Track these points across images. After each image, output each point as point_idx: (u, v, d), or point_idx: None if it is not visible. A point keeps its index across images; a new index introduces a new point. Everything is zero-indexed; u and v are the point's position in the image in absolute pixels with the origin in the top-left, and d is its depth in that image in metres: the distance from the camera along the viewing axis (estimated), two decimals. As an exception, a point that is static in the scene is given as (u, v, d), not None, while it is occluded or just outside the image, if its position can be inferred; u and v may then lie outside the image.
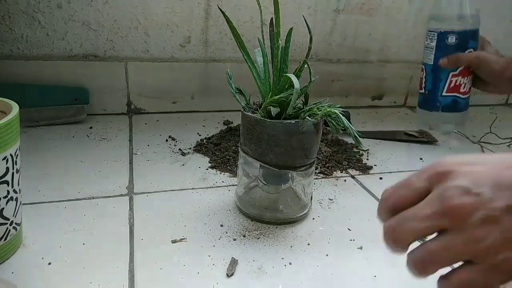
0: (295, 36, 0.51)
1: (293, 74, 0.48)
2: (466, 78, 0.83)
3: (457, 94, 0.84)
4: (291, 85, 0.45)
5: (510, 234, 0.26)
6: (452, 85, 0.83)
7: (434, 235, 0.29)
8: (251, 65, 0.52)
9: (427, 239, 0.29)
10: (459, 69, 0.82)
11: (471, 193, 0.27)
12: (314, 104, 0.51)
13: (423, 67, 0.87)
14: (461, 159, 0.30)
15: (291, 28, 0.51)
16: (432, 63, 0.84)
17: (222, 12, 0.50)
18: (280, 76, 0.50)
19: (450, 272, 0.29)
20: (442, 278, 0.30)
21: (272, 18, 0.51)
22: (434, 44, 0.83)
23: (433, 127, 0.90)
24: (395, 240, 0.30)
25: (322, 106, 0.50)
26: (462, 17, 0.81)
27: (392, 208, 0.31)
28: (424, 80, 0.87)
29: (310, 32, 0.50)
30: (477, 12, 0.81)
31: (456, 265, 0.29)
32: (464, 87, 0.84)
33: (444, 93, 0.84)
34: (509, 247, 0.26)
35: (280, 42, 0.50)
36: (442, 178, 0.29)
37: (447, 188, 0.28)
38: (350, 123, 0.50)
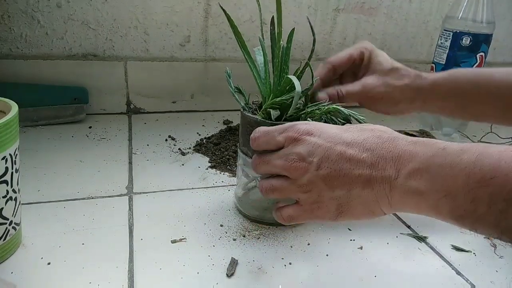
0: (295, 35, 0.51)
1: (294, 75, 0.47)
2: None
3: None
4: (292, 87, 0.45)
5: (323, 192, 0.39)
6: None
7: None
8: (252, 64, 0.52)
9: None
10: None
11: (305, 160, 0.40)
12: (314, 104, 0.51)
13: (433, 65, 0.88)
14: (308, 128, 0.41)
15: (293, 29, 0.50)
16: (444, 62, 0.85)
17: (223, 10, 0.50)
18: (281, 77, 0.50)
19: (282, 206, 0.45)
20: (276, 209, 0.45)
21: (273, 17, 0.50)
22: (448, 43, 0.84)
23: (435, 127, 0.90)
24: (254, 169, 0.45)
25: (323, 106, 0.50)
26: (479, 20, 0.82)
27: (257, 148, 0.44)
28: None
29: (313, 34, 0.50)
30: (493, 18, 0.83)
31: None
32: None
33: None
34: (322, 200, 0.40)
35: (281, 42, 0.50)
36: (292, 141, 0.41)
37: (292, 152, 0.40)
38: (351, 123, 0.50)
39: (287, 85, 0.49)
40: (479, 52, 0.83)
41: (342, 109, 0.49)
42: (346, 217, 0.41)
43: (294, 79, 0.45)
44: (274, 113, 0.48)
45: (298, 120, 0.49)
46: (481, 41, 0.82)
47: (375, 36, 1.01)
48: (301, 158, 0.40)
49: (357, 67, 0.61)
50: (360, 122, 0.48)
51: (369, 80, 0.59)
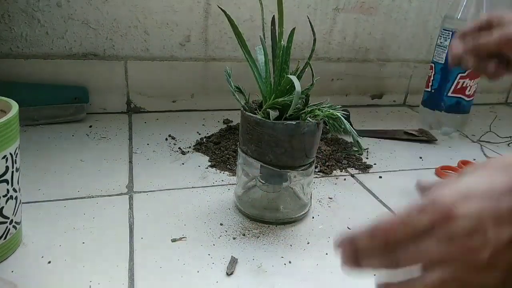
0: (295, 35, 0.51)
1: (294, 75, 0.47)
2: (473, 81, 0.85)
3: (462, 96, 0.86)
4: (292, 87, 0.45)
5: (501, 261, 0.27)
6: (458, 86, 0.85)
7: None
8: (252, 64, 0.52)
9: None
10: (468, 71, 0.83)
11: (471, 235, 0.28)
12: (314, 104, 0.51)
13: (433, 65, 0.89)
14: (458, 192, 0.29)
15: (293, 29, 0.50)
16: (443, 62, 0.86)
17: (223, 11, 0.50)
18: (281, 76, 0.50)
19: None
20: None
21: (273, 17, 0.50)
22: (447, 43, 0.84)
23: (434, 127, 0.91)
24: (396, 265, 0.30)
25: (324, 107, 0.50)
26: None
27: (384, 242, 0.30)
28: (432, 78, 0.88)
29: (314, 34, 0.50)
30: None
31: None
32: (470, 89, 0.86)
33: (449, 94, 0.86)
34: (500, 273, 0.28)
35: (282, 42, 0.50)
36: (447, 218, 0.28)
37: (450, 231, 0.28)
38: (350, 122, 0.50)
39: (287, 85, 0.49)
40: None
41: (344, 120, 0.49)
42: None
43: (294, 79, 0.45)
44: (273, 114, 0.48)
45: (298, 119, 0.49)
46: None
47: (375, 35, 1.01)
48: (467, 233, 0.28)
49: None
50: (358, 142, 0.47)
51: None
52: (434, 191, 0.30)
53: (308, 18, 0.52)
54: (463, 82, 0.85)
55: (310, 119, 0.49)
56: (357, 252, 0.31)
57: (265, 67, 0.52)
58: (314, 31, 0.50)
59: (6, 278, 0.41)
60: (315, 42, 0.50)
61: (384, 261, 0.31)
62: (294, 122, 0.48)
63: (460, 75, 0.84)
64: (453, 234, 0.28)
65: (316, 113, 0.50)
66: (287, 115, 0.49)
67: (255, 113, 0.50)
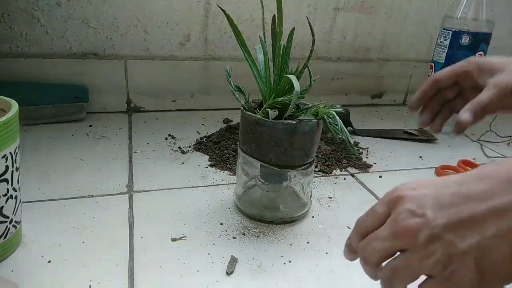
0: (295, 34, 0.51)
1: (293, 74, 0.47)
2: None
3: None
4: (292, 86, 0.45)
5: (451, 248, 0.29)
6: None
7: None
8: (252, 63, 0.52)
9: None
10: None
11: (416, 214, 0.31)
12: (314, 104, 0.51)
13: (433, 64, 0.88)
14: (410, 184, 0.33)
15: (293, 29, 0.50)
16: (443, 61, 0.85)
17: (223, 10, 0.50)
18: (281, 76, 0.50)
19: (421, 284, 0.32)
20: None
21: (274, 16, 0.50)
22: (447, 42, 0.84)
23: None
24: (365, 260, 0.33)
25: (324, 107, 0.50)
26: (478, 19, 0.82)
27: (363, 233, 0.35)
28: None
29: (313, 34, 0.50)
30: (492, 17, 0.83)
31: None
32: None
33: None
34: (453, 260, 0.29)
35: (282, 41, 0.50)
36: (396, 203, 0.33)
37: (398, 212, 0.32)
38: (350, 121, 0.50)
39: (287, 84, 0.49)
40: (479, 51, 0.83)
41: (338, 118, 0.49)
42: (495, 280, 0.30)
43: (293, 78, 0.45)
44: (272, 113, 0.48)
45: (298, 119, 0.49)
46: (480, 40, 0.82)
47: (375, 35, 1.01)
48: (411, 213, 0.31)
49: (467, 81, 0.51)
50: (350, 143, 0.47)
51: (499, 78, 0.47)
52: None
53: (307, 18, 0.52)
54: None
55: (310, 118, 0.49)
56: (351, 246, 0.36)
57: (264, 66, 0.52)
58: (313, 32, 0.50)
59: (6, 277, 0.41)
60: (314, 42, 0.50)
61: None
62: (294, 122, 0.48)
63: None
64: (398, 214, 0.32)
65: (316, 112, 0.50)
66: (286, 114, 0.49)
67: (255, 113, 0.50)
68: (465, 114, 0.47)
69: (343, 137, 0.48)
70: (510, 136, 0.90)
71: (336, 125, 0.48)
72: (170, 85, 0.90)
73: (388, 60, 1.05)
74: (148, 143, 0.75)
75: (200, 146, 0.75)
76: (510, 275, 0.29)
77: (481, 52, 0.83)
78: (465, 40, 0.82)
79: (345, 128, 0.48)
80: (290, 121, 0.48)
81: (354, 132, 0.86)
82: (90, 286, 0.41)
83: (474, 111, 0.47)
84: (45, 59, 0.81)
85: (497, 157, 0.81)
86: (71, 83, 0.83)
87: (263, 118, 0.49)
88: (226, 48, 0.92)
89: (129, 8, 0.83)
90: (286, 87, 0.49)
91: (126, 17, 0.83)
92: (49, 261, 0.44)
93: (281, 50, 0.50)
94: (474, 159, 0.77)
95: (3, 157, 0.40)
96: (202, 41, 0.90)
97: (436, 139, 0.86)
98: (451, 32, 0.83)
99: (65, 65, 0.82)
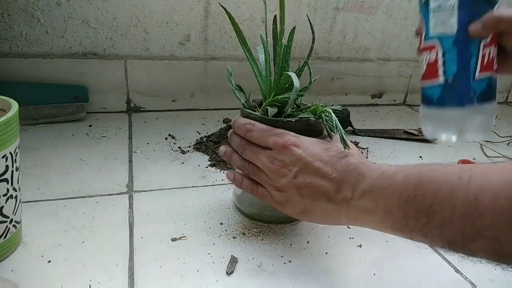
0: (295, 34, 0.51)
1: (294, 73, 0.48)
2: (496, 47, 0.51)
3: (491, 74, 0.51)
4: (292, 85, 0.45)
5: (292, 197, 0.46)
6: (486, 60, 0.50)
7: None
8: (253, 62, 0.52)
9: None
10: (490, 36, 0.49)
11: (286, 167, 0.46)
12: (313, 103, 0.51)
13: (436, 43, 0.50)
14: (296, 141, 0.46)
15: (294, 28, 0.50)
16: (455, 31, 0.49)
17: (224, 9, 0.50)
18: (281, 74, 0.50)
19: (262, 186, 0.49)
20: (254, 185, 0.50)
21: (275, 16, 0.50)
22: (455, 1, 0.50)
23: (468, 131, 0.53)
24: (239, 151, 0.50)
25: (324, 106, 0.50)
26: None
27: (247, 138, 0.49)
28: (441, 62, 0.51)
29: (313, 33, 0.50)
30: None
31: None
32: (495, 61, 0.52)
33: (478, 75, 0.50)
34: (288, 200, 0.47)
35: (283, 40, 0.50)
36: (280, 148, 0.46)
37: (278, 157, 0.46)
38: (350, 121, 0.50)
39: (287, 82, 0.49)
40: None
41: (333, 115, 0.48)
42: (307, 219, 0.48)
43: (293, 75, 0.45)
44: (272, 111, 0.48)
45: (297, 117, 0.49)
46: None
47: (375, 35, 1.01)
48: (284, 165, 0.46)
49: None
50: (344, 139, 0.47)
51: None
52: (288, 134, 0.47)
53: (308, 17, 0.52)
54: (489, 52, 0.50)
55: (309, 116, 0.49)
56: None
57: (265, 65, 0.52)
58: (314, 30, 0.50)
59: (6, 277, 0.41)
60: (314, 40, 0.50)
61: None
62: (293, 120, 0.48)
63: (483, 43, 0.49)
64: (277, 158, 0.46)
65: (313, 110, 0.49)
66: (286, 112, 0.49)
67: (254, 111, 0.50)
68: (475, 24, 0.46)
69: (338, 133, 0.48)
70: (510, 136, 0.90)
71: (332, 122, 0.48)
72: (170, 85, 0.90)
73: (388, 60, 1.05)
74: (148, 143, 0.75)
75: (200, 146, 0.75)
76: (319, 222, 0.49)
77: None
78: None
79: (340, 125, 0.48)
80: (289, 119, 0.48)
81: (354, 132, 0.86)
82: (90, 285, 0.41)
83: (486, 20, 0.46)
84: (45, 59, 0.81)
85: (497, 157, 0.81)
86: (71, 83, 0.83)
87: (262, 115, 0.49)
88: (226, 48, 0.92)
89: (129, 8, 0.83)
90: (286, 86, 0.49)
91: (126, 17, 0.83)
92: (49, 261, 0.44)
93: (282, 49, 0.50)
94: (474, 158, 0.77)
95: (3, 157, 0.40)
96: (202, 41, 0.90)
97: (436, 139, 0.86)
98: None
99: (65, 64, 0.82)
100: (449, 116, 0.52)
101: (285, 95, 0.48)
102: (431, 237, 0.36)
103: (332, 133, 0.48)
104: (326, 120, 0.48)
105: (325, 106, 0.50)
